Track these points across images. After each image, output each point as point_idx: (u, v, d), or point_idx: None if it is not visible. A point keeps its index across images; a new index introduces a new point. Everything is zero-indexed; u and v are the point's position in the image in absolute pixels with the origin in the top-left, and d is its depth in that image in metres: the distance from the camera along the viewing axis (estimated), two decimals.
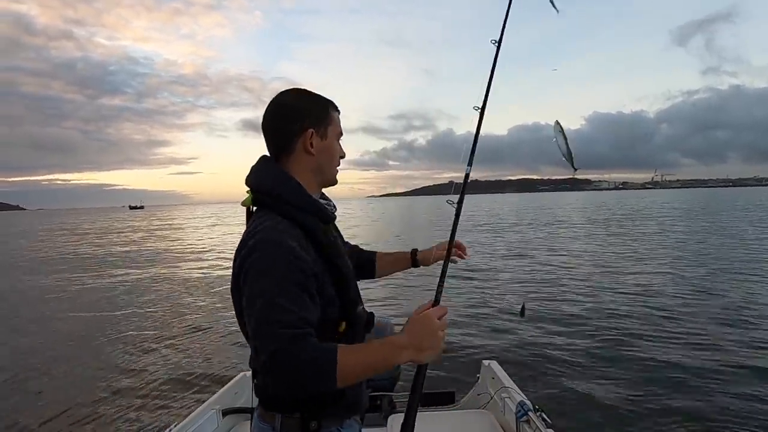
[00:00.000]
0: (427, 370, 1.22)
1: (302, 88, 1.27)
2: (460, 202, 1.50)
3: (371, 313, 1.34)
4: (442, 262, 1.48)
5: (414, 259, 1.63)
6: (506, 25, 1.54)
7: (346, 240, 1.51)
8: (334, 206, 1.32)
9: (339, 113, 1.28)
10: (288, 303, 1.00)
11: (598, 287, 9.40)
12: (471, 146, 1.50)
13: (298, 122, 1.19)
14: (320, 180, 1.26)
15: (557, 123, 1.49)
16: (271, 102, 1.23)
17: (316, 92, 1.26)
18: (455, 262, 1.54)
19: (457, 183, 1.51)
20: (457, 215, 1.48)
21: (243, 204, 1.20)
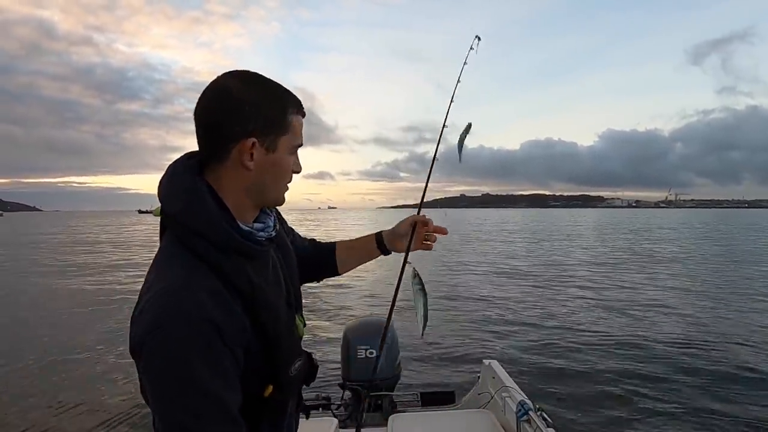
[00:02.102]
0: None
1: (258, 74, 0.90)
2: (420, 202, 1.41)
3: (313, 364, 1.08)
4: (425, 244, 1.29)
5: (380, 243, 1.29)
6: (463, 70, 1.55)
7: (302, 236, 1.29)
8: (274, 222, 1.02)
9: (303, 116, 0.95)
10: (224, 391, 0.77)
11: (601, 289, 9.40)
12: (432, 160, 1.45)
13: (239, 124, 0.85)
14: (258, 202, 0.94)
15: (469, 124, 1.50)
16: (210, 84, 0.88)
17: (275, 82, 0.91)
18: (429, 248, 1.28)
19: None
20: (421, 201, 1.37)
21: (155, 214, 1.01)
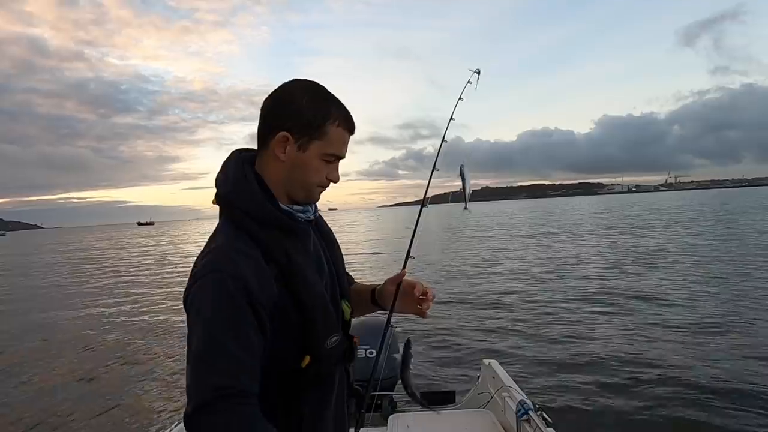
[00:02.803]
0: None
1: (322, 86, 1.04)
2: (417, 220, 1.37)
3: (351, 343, 1.14)
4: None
5: (373, 298, 1.29)
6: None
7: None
8: (315, 211, 1.13)
9: (348, 133, 1.05)
10: (232, 346, 0.85)
11: (603, 287, 9.35)
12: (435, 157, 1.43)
13: (280, 119, 1.00)
14: (290, 192, 1.04)
15: (462, 168, 1.47)
16: (282, 85, 1.04)
17: (334, 98, 1.04)
18: (423, 314, 1.21)
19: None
20: (413, 238, 1.32)
21: (213, 202, 1.05)
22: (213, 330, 0.86)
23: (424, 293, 1.19)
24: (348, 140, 1.07)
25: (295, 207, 1.06)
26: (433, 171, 1.44)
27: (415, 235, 1.35)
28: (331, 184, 1.09)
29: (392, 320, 1.30)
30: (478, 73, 1.47)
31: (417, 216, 1.39)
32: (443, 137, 1.46)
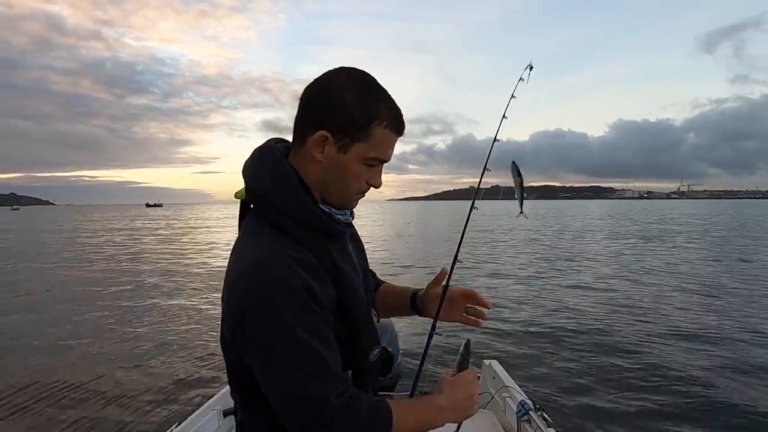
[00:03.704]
0: (427, 370, 1.18)
1: (371, 78, 0.91)
2: (468, 218, 1.27)
3: (389, 354, 1.07)
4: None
5: (414, 302, 1.23)
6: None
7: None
8: (351, 213, 1.03)
9: (396, 134, 0.93)
10: (322, 350, 0.82)
11: (607, 287, 9.36)
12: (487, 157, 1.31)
13: (321, 115, 0.88)
14: (326, 196, 0.94)
15: (514, 164, 1.31)
16: (326, 72, 0.92)
17: (384, 93, 0.91)
18: (476, 323, 1.19)
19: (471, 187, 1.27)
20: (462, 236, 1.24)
21: (236, 196, 0.96)
22: (300, 341, 0.79)
23: (485, 305, 1.16)
24: (395, 142, 0.94)
25: (333, 210, 0.95)
26: (484, 171, 1.32)
27: (463, 237, 1.24)
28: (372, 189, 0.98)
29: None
30: (531, 68, 1.34)
31: (467, 216, 1.27)
32: (495, 137, 1.33)
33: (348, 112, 0.87)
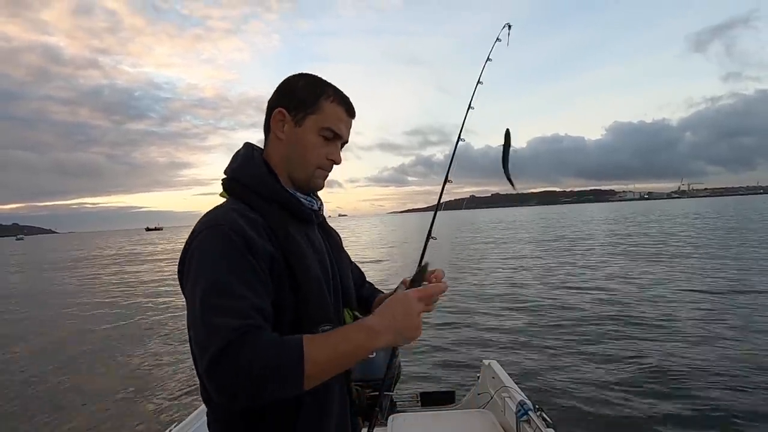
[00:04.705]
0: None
1: (317, 75, 1.07)
2: (433, 218, 1.30)
3: None
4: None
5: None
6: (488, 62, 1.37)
7: (353, 262, 1.28)
8: (319, 204, 1.11)
9: (346, 113, 1.05)
10: (237, 287, 0.83)
11: (605, 290, 9.32)
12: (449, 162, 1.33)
13: (277, 100, 1.03)
14: (292, 174, 1.04)
15: (507, 132, 1.26)
16: None
17: (329, 82, 1.06)
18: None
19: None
20: (428, 234, 1.23)
21: (221, 195, 1.04)
22: (219, 276, 0.83)
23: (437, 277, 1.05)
24: (346, 120, 1.06)
25: (299, 195, 1.05)
26: (457, 143, 1.33)
27: (428, 243, 1.25)
28: (335, 167, 1.07)
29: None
30: (509, 27, 1.34)
31: (431, 222, 1.32)
32: (469, 104, 1.34)
33: (299, 91, 1.03)
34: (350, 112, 1.07)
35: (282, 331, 0.86)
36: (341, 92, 1.05)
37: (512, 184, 1.26)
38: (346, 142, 1.08)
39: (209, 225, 0.90)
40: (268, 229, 0.94)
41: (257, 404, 0.79)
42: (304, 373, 0.78)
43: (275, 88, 1.06)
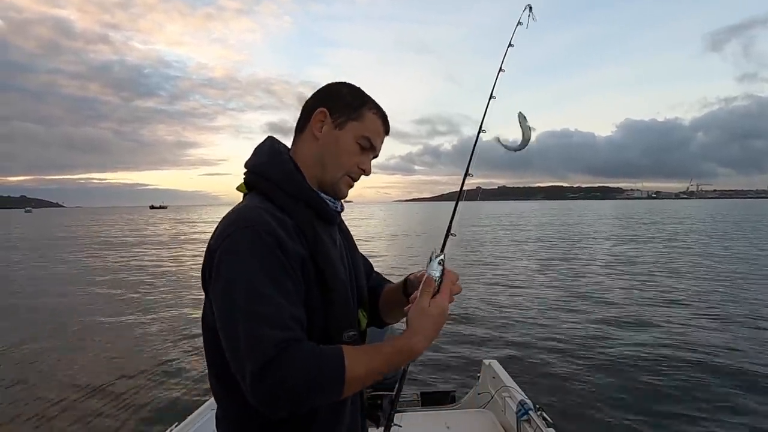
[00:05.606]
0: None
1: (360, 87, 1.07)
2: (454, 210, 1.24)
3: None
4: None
5: (405, 287, 1.15)
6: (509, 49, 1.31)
7: (365, 256, 1.26)
8: (341, 206, 1.10)
9: (383, 126, 1.06)
10: (274, 294, 0.82)
11: (605, 291, 9.31)
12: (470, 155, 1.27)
13: (320, 102, 1.03)
14: (320, 176, 1.03)
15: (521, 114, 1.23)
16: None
17: (372, 98, 1.06)
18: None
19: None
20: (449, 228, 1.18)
21: (238, 189, 1.04)
22: (255, 282, 0.82)
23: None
24: (382, 135, 1.07)
25: (323, 195, 1.03)
26: (479, 131, 1.29)
27: (448, 235, 1.20)
28: (362, 177, 1.07)
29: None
30: (530, 9, 1.27)
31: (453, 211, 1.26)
32: (491, 93, 1.29)
33: (344, 96, 1.04)
34: (387, 129, 1.08)
35: (312, 335, 0.89)
36: (381, 108, 1.07)
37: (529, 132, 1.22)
38: (376, 156, 1.09)
39: (240, 225, 0.88)
40: (297, 230, 0.93)
41: (298, 413, 0.82)
42: (344, 386, 0.81)
43: (314, 91, 1.07)
